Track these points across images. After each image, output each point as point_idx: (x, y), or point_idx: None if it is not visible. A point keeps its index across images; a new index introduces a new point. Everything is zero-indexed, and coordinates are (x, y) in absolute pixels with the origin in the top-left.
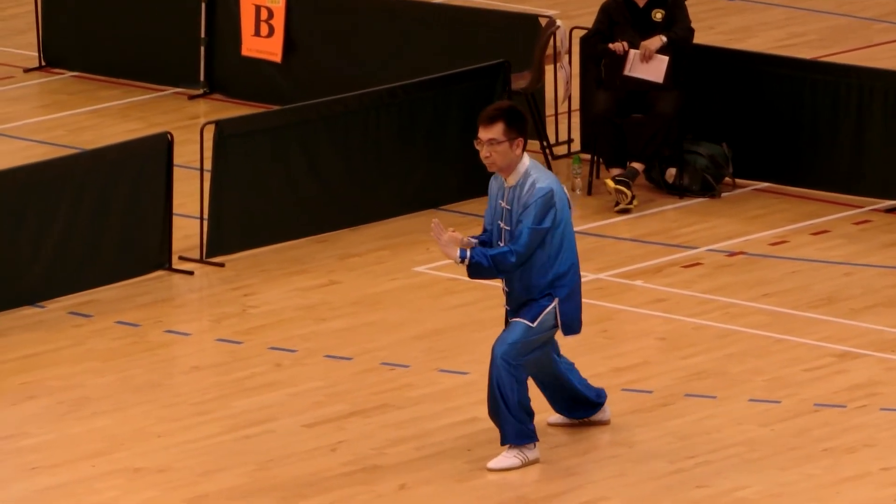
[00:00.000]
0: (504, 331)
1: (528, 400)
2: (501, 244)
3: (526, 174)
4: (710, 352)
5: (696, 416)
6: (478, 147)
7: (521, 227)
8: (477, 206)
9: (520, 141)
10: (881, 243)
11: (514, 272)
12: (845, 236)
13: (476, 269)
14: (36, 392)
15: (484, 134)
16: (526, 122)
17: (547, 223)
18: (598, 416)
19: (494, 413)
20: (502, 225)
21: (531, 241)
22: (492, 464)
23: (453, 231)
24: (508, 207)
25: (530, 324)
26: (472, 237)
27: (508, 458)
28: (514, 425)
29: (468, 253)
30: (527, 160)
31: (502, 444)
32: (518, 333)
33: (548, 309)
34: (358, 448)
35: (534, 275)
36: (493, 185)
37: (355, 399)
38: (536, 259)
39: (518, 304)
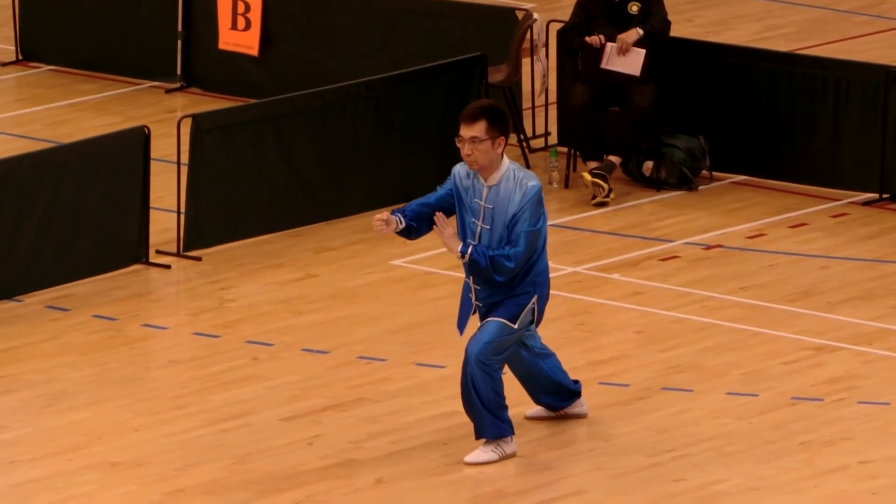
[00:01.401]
0: (478, 329)
1: (503, 395)
2: (474, 242)
3: (508, 173)
4: (688, 345)
5: (673, 410)
6: (459, 145)
7: (517, 230)
8: None
9: (501, 140)
10: (858, 236)
11: (509, 276)
12: (823, 229)
13: (474, 266)
14: (13, 386)
15: (466, 132)
16: (508, 120)
17: (540, 223)
18: (576, 410)
19: (469, 408)
20: (479, 223)
21: (529, 245)
22: (469, 458)
23: (384, 217)
24: (490, 207)
25: (510, 323)
26: (395, 212)
27: (486, 452)
28: (488, 420)
29: (469, 249)
30: (507, 159)
31: (477, 438)
32: (493, 332)
33: (527, 307)
34: (335, 442)
35: (518, 272)
36: (463, 178)
37: (332, 393)
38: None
39: (492, 301)
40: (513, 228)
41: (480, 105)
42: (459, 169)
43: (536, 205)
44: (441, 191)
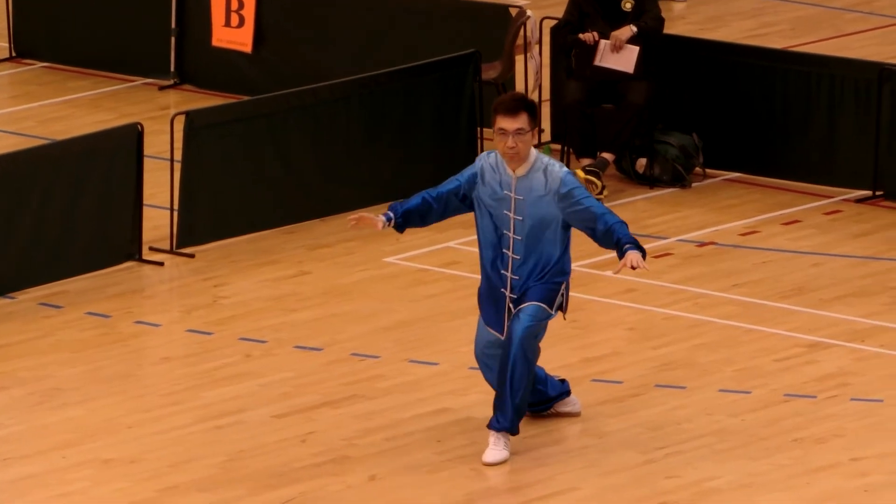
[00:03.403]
0: (517, 313)
1: (528, 402)
2: (509, 234)
3: (536, 161)
4: (681, 342)
5: (666, 407)
6: (500, 137)
7: (587, 202)
8: None
9: (536, 130)
10: (852, 233)
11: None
12: (816, 226)
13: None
14: (6, 383)
15: (510, 124)
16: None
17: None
18: (569, 409)
19: (500, 388)
20: (511, 215)
21: (601, 205)
22: (487, 458)
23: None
24: (521, 198)
25: (546, 307)
26: (387, 216)
27: (501, 450)
28: (511, 411)
29: (627, 245)
30: (533, 149)
31: (491, 427)
32: (533, 314)
33: (561, 290)
34: (328, 439)
35: (552, 253)
36: (491, 171)
37: (325, 390)
38: (561, 237)
39: (525, 288)
40: (576, 207)
41: (516, 97)
42: (487, 161)
43: (577, 183)
44: (446, 188)
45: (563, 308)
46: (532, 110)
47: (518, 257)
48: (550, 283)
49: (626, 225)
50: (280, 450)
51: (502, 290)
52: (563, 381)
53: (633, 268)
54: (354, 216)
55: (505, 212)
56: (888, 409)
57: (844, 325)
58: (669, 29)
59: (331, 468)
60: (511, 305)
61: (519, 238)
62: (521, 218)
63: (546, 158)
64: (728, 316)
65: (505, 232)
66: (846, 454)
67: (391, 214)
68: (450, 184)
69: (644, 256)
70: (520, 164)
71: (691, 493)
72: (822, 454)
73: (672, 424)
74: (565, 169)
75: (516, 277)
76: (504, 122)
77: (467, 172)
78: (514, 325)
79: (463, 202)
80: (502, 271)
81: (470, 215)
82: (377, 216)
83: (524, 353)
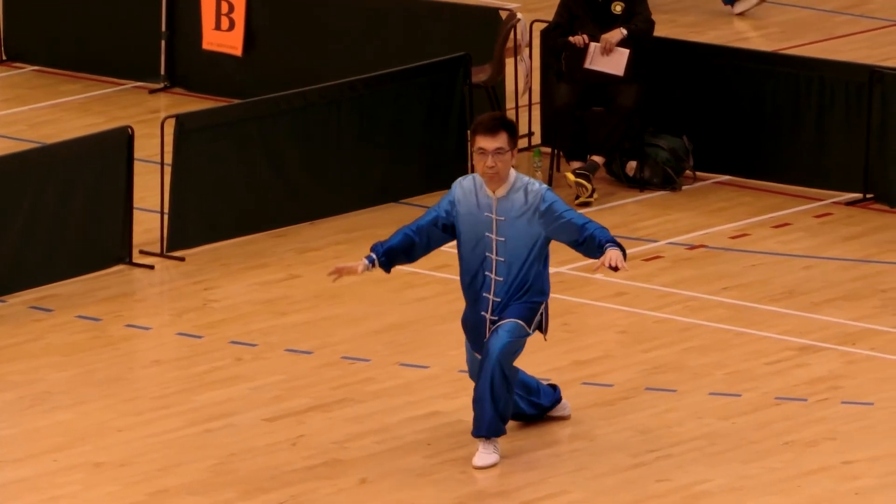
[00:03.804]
0: (495, 329)
1: (513, 397)
2: (492, 256)
3: (516, 181)
4: (671, 345)
5: (656, 410)
6: (480, 157)
7: (568, 215)
8: (437, 199)
9: (516, 150)
10: (842, 236)
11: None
12: (806, 229)
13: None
14: None
15: (489, 143)
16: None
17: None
18: (560, 413)
19: (478, 403)
20: (493, 237)
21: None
22: (477, 462)
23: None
24: (502, 218)
25: (524, 325)
26: (370, 258)
27: (490, 454)
28: (489, 416)
29: (608, 244)
30: (513, 169)
31: (475, 433)
32: (512, 331)
33: (540, 310)
34: (319, 442)
35: (533, 273)
36: (466, 196)
37: (316, 393)
38: (541, 255)
39: (504, 306)
40: (559, 221)
41: (496, 116)
42: (460, 187)
43: (556, 197)
44: (424, 220)
45: (542, 329)
46: (512, 130)
47: (500, 279)
48: (530, 303)
49: (608, 230)
50: (271, 453)
51: (483, 313)
52: (554, 387)
53: (612, 268)
54: (332, 269)
55: (486, 234)
56: (879, 413)
57: (835, 329)
58: (659, 32)
59: (322, 471)
60: (491, 327)
61: (502, 259)
62: (503, 239)
63: (525, 178)
64: (719, 319)
65: (487, 254)
66: (837, 457)
67: (373, 256)
68: (428, 215)
69: (625, 257)
70: (500, 184)
71: (682, 497)
72: (814, 457)
73: (663, 428)
74: (545, 185)
75: (497, 299)
76: (483, 142)
77: (444, 201)
78: (492, 340)
79: (445, 232)
80: (484, 294)
81: None
82: (358, 261)
83: (501, 368)
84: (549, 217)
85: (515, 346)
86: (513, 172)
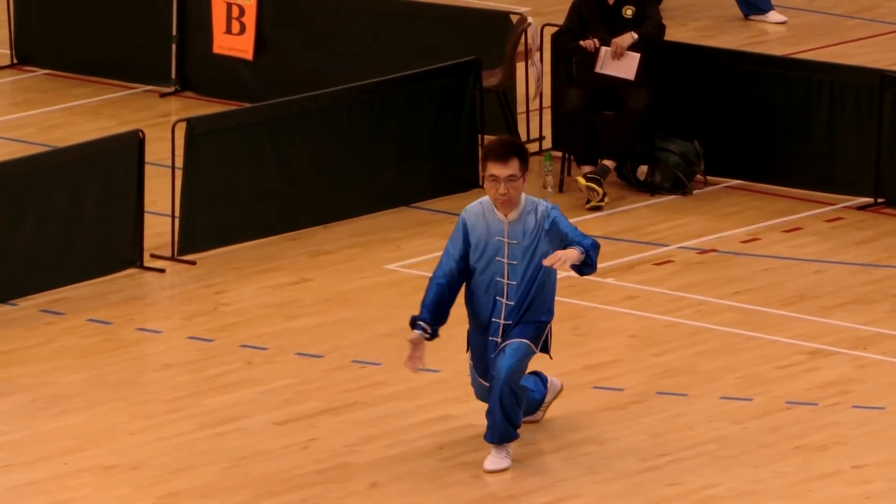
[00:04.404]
0: (503, 349)
1: (523, 409)
2: (503, 280)
3: (526, 204)
4: (682, 349)
5: (667, 414)
6: (492, 184)
7: (572, 235)
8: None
9: (526, 174)
10: (853, 241)
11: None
12: (817, 234)
13: (593, 265)
14: (8, 389)
15: (501, 171)
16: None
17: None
18: (529, 417)
19: (490, 414)
20: (505, 261)
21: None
22: (488, 466)
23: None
24: (514, 242)
25: (532, 345)
26: (420, 334)
27: (502, 458)
28: (501, 425)
29: (584, 257)
30: (523, 193)
31: (488, 439)
32: (519, 351)
33: (546, 330)
34: (329, 446)
35: (542, 293)
36: (475, 224)
37: (326, 397)
38: (550, 274)
39: (511, 328)
40: (558, 237)
41: (506, 143)
42: (468, 215)
43: (559, 214)
44: (449, 264)
45: (546, 349)
46: (523, 156)
47: (511, 303)
48: (537, 322)
49: (598, 246)
50: (281, 456)
51: (492, 337)
52: (537, 372)
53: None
54: (410, 367)
55: (498, 258)
56: (890, 417)
57: (846, 333)
58: (670, 36)
59: (332, 475)
60: (497, 348)
61: (513, 283)
62: (515, 262)
63: (534, 200)
64: (729, 323)
65: (498, 279)
66: (848, 462)
67: (425, 327)
68: (449, 262)
69: (585, 269)
70: (511, 209)
71: (693, 501)
72: (824, 462)
73: (673, 432)
74: (551, 204)
75: (508, 322)
76: (495, 169)
77: (458, 239)
78: (499, 360)
79: (465, 272)
80: (494, 319)
81: None
82: (417, 345)
83: (510, 387)
84: (553, 233)
85: (522, 365)
86: (523, 196)
